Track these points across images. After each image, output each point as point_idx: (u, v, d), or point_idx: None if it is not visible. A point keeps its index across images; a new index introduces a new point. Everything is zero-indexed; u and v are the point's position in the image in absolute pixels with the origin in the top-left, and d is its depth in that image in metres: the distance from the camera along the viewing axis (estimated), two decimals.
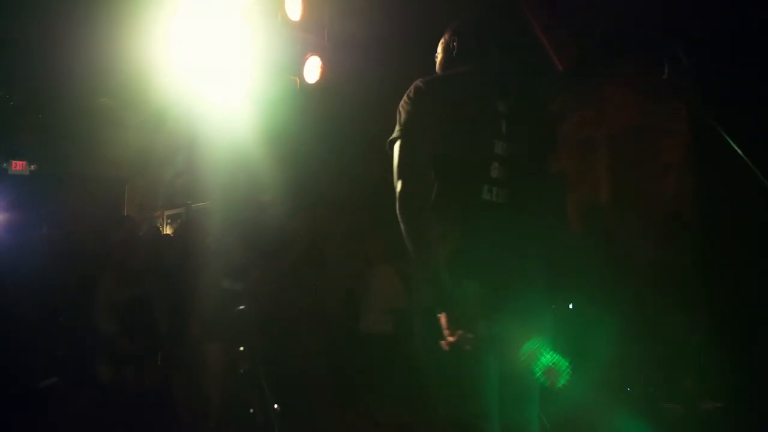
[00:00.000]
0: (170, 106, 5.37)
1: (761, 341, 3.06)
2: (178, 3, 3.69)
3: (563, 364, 1.47)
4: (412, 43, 2.69)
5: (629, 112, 4.08)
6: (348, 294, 4.81)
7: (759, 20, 2.90)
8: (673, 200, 3.84)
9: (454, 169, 1.65)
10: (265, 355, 3.69)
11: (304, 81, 3.87)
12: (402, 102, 1.70)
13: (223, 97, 3.96)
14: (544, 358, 1.45)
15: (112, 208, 8.29)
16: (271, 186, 5.24)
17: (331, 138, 4.89)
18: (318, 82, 3.90)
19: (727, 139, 1.48)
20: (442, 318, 1.47)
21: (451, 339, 1.45)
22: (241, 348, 3.64)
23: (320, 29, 3.85)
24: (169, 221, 7.78)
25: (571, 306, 3.69)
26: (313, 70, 3.89)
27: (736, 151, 1.55)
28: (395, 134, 1.67)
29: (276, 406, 3.46)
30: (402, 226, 1.58)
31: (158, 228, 6.80)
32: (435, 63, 1.99)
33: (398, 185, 1.60)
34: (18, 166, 7.06)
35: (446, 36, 1.93)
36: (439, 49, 1.95)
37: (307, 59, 3.85)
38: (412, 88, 1.70)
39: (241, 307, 3.73)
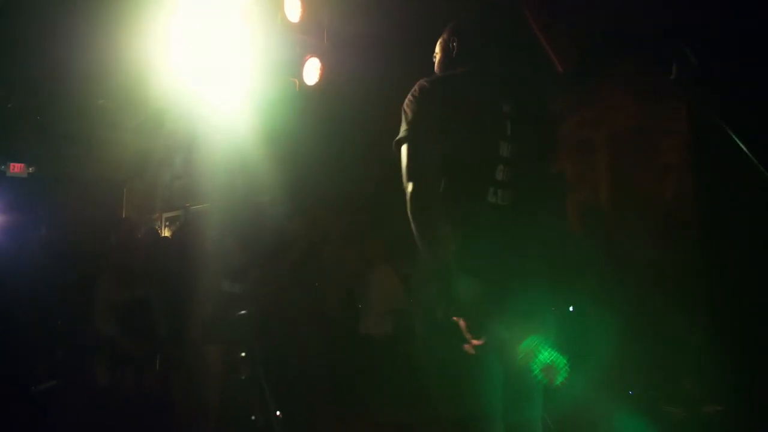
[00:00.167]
0: (169, 107, 5.37)
1: (762, 342, 3.06)
2: (177, 4, 3.69)
3: (561, 361, 1.46)
4: (412, 44, 2.69)
5: (629, 112, 4.08)
6: (347, 294, 4.80)
7: (760, 19, 2.90)
8: (674, 201, 3.84)
9: (459, 171, 1.63)
10: (265, 357, 3.68)
11: (304, 82, 3.87)
12: (407, 101, 1.68)
13: (223, 99, 3.96)
14: (542, 355, 1.45)
15: (111, 210, 8.28)
16: (271, 187, 5.24)
17: (331, 140, 4.88)
18: (317, 84, 3.90)
19: (735, 139, 1.48)
20: (461, 322, 1.45)
21: (476, 343, 1.43)
22: (243, 353, 3.62)
23: (319, 31, 3.85)
24: (167, 223, 7.77)
25: (571, 308, 3.69)
26: (312, 71, 3.89)
27: (740, 150, 1.54)
28: (402, 134, 1.65)
29: (278, 413, 3.45)
30: (414, 226, 1.56)
31: (157, 230, 6.79)
32: (434, 63, 1.98)
33: (409, 186, 1.58)
34: (16, 168, 7.05)
35: (445, 36, 1.92)
36: (438, 48, 1.94)
37: (306, 61, 3.85)
38: (416, 87, 1.69)
39: (243, 312, 3.72)
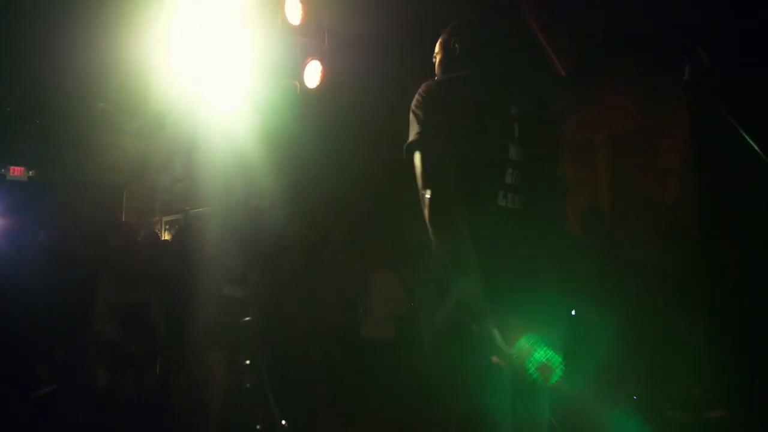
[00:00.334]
0: (169, 111, 5.36)
1: (763, 343, 3.05)
2: (177, 8, 3.69)
3: (556, 360, 1.45)
4: (413, 46, 2.68)
5: (629, 113, 4.08)
6: (348, 299, 4.79)
7: (760, 19, 2.91)
8: (674, 201, 3.84)
9: (469, 174, 1.59)
10: (267, 363, 3.66)
11: (305, 85, 3.87)
12: (415, 102, 1.66)
13: (223, 102, 3.96)
14: (537, 354, 1.43)
15: (111, 213, 8.27)
16: (271, 191, 5.23)
17: (332, 143, 4.88)
18: (318, 87, 3.90)
19: (747, 138, 1.48)
20: (496, 332, 1.43)
21: (524, 355, 1.41)
22: (247, 361, 3.61)
23: (321, 33, 3.84)
24: (167, 227, 7.76)
25: (573, 312, 3.68)
26: (313, 74, 3.89)
27: (739, 151, 1.53)
28: (414, 137, 1.61)
29: (284, 422, 3.43)
30: (433, 234, 1.52)
31: (156, 233, 6.78)
32: (434, 64, 1.95)
33: (428, 193, 1.54)
34: (16, 171, 7.05)
35: (445, 36, 1.90)
36: (438, 49, 1.92)
37: (307, 63, 3.85)
38: (424, 88, 1.67)
39: (247, 318, 3.70)
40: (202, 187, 5.80)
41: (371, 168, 5.22)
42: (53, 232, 5.31)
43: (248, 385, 3.56)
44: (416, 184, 1.60)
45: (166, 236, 7.35)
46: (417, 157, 1.60)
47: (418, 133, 1.61)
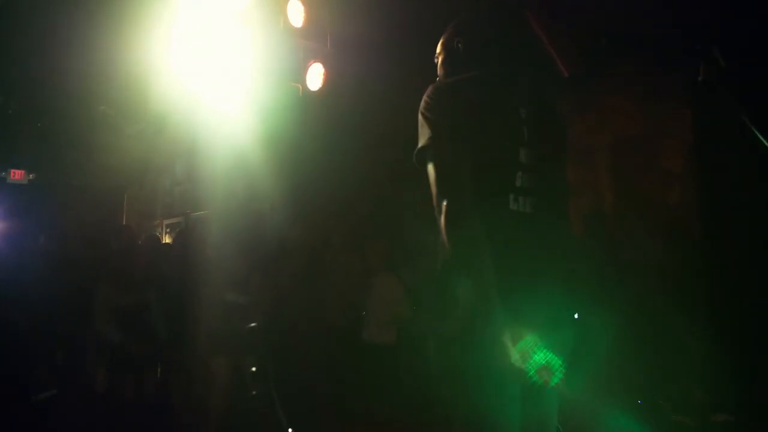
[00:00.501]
0: (171, 113, 5.35)
1: (763, 343, 3.03)
2: (179, 10, 3.68)
3: (556, 362, 1.43)
4: (416, 49, 2.67)
5: (631, 114, 4.08)
6: (349, 302, 4.77)
7: (760, 19, 2.90)
8: (675, 202, 3.83)
9: (479, 178, 1.55)
10: (272, 369, 3.64)
11: (307, 88, 3.86)
12: (424, 105, 1.62)
13: (224, 104, 3.94)
14: (537, 356, 1.40)
15: (111, 216, 8.26)
16: (272, 194, 5.22)
17: (333, 145, 4.87)
18: (320, 90, 3.89)
19: (762, 139, 1.46)
20: (508, 336, 1.40)
21: (525, 357, 1.38)
22: (253, 368, 3.58)
23: (323, 36, 3.84)
24: (168, 230, 7.74)
25: (576, 315, 3.65)
26: (315, 77, 3.88)
27: (740, 151, 1.51)
28: (426, 142, 1.57)
29: (290, 431, 3.40)
30: (449, 239, 1.48)
31: (157, 237, 6.76)
32: (436, 65, 1.92)
33: (444, 203, 1.49)
34: (17, 175, 7.05)
35: (447, 36, 1.86)
36: (439, 49, 1.88)
37: (309, 66, 3.84)
38: (432, 90, 1.63)
39: (253, 324, 3.68)
40: (203, 190, 5.79)
41: (373, 170, 5.21)
42: (53, 235, 5.30)
43: (254, 392, 3.53)
44: (428, 188, 1.56)
45: (166, 239, 7.34)
46: (431, 163, 1.56)
47: (430, 138, 1.57)
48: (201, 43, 3.66)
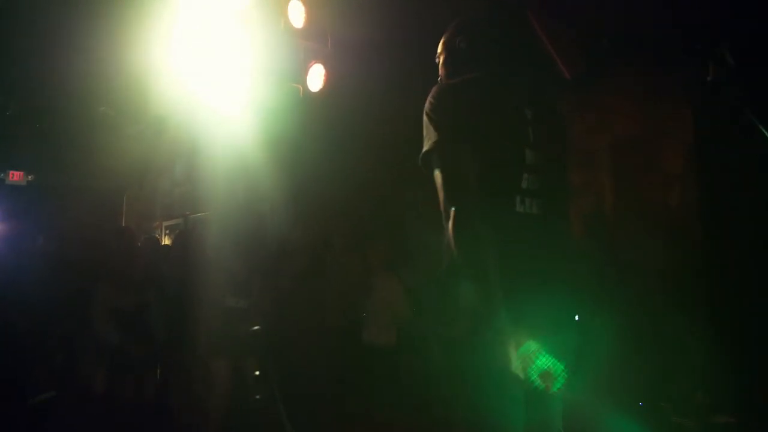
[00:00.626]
0: (171, 114, 5.35)
1: (763, 343, 3.03)
2: (179, 10, 3.67)
3: (559, 367, 1.43)
4: (417, 50, 2.67)
5: (630, 115, 4.08)
6: (350, 303, 4.76)
7: (760, 19, 2.91)
8: (675, 203, 3.83)
9: (485, 180, 1.53)
10: (275, 372, 3.63)
11: (307, 89, 3.86)
12: (429, 107, 1.60)
13: (224, 105, 3.94)
14: (539, 361, 1.40)
15: (111, 217, 8.24)
16: (273, 195, 5.21)
17: (334, 146, 4.86)
18: (321, 90, 3.88)
19: None
20: (514, 339, 1.40)
21: (527, 362, 1.38)
22: (257, 372, 3.56)
23: (323, 37, 3.84)
24: (167, 231, 7.72)
25: (577, 318, 3.65)
26: (316, 77, 3.88)
27: (740, 151, 1.51)
28: (431, 146, 1.56)
29: None
30: (457, 242, 1.47)
31: (157, 238, 6.75)
32: (437, 65, 1.91)
33: (453, 208, 1.48)
34: (15, 176, 7.03)
35: (448, 35, 1.84)
36: (441, 49, 1.87)
37: (310, 67, 3.84)
38: (436, 92, 1.62)
39: (256, 327, 3.66)
40: (203, 191, 5.77)
41: (373, 171, 5.21)
42: (52, 236, 5.29)
43: (258, 396, 3.51)
44: (430, 189, 1.56)
45: (166, 241, 7.33)
46: (437, 168, 1.55)
47: (435, 142, 1.55)
48: (201, 44, 3.66)
